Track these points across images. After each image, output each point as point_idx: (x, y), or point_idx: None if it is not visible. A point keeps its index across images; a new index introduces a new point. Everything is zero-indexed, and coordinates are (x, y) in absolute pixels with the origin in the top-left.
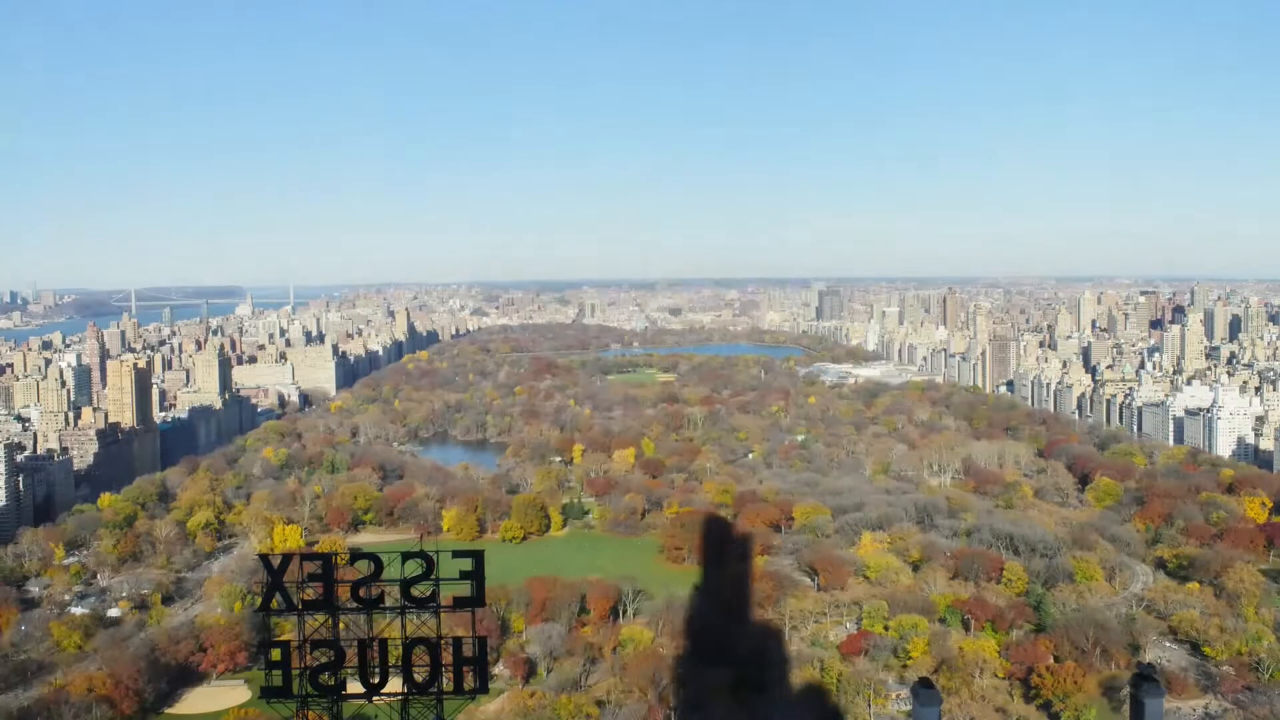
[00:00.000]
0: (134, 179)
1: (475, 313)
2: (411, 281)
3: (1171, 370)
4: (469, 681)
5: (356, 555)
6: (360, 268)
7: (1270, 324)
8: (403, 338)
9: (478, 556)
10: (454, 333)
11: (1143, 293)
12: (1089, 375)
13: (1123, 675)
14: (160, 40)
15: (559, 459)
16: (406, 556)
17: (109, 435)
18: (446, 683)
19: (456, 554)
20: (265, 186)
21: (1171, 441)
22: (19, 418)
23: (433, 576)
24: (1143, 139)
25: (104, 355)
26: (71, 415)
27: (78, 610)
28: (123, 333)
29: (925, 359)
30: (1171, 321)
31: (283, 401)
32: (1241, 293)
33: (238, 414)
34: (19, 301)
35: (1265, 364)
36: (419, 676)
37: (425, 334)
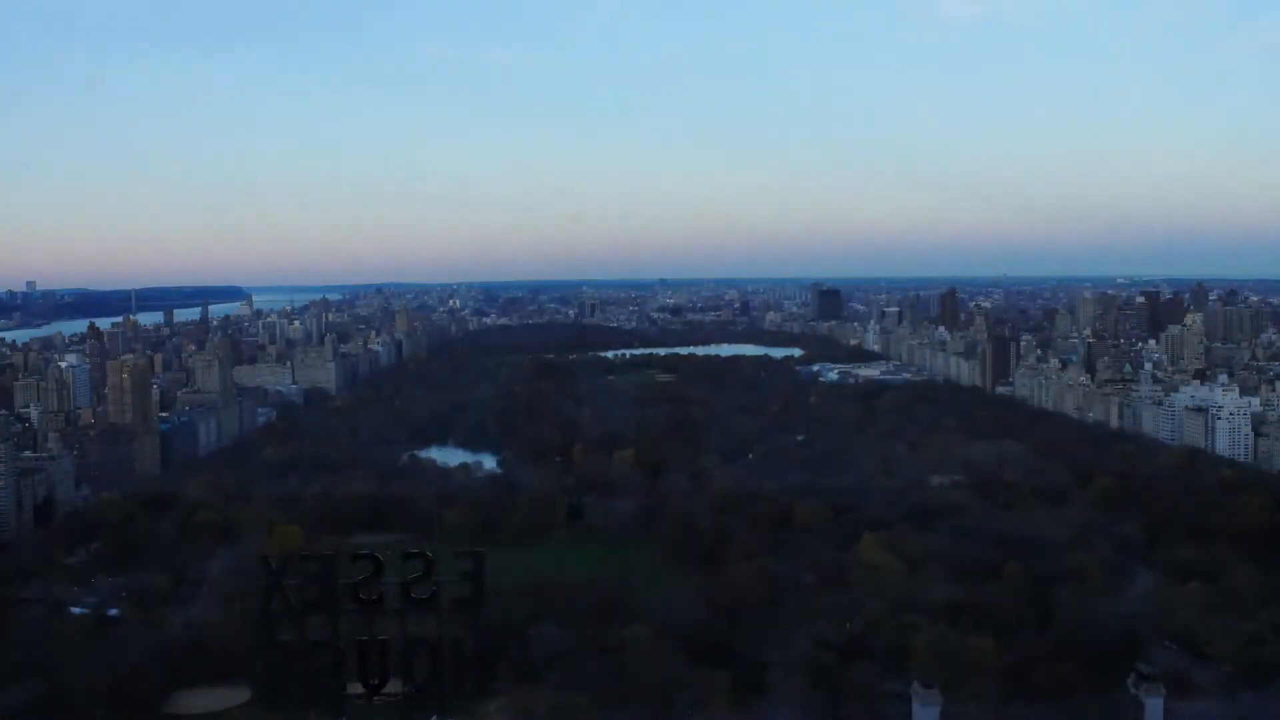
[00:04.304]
0: (134, 178)
1: (475, 313)
2: (411, 282)
3: (1171, 370)
4: (469, 683)
5: (356, 556)
6: (360, 268)
7: (1270, 324)
8: (402, 338)
9: (478, 557)
10: (454, 333)
11: (1143, 293)
12: (1088, 375)
13: (1123, 675)
14: (157, 38)
15: (559, 459)
16: (406, 557)
17: (109, 435)
18: (447, 683)
19: (457, 554)
20: (265, 186)
21: (1171, 441)
22: (19, 418)
23: (432, 577)
24: (1142, 138)
25: (104, 355)
26: (71, 415)
27: (77, 610)
28: (123, 333)
29: (925, 359)
30: (1171, 321)
31: (283, 401)
32: (1241, 293)
33: (238, 414)
34: (19, 301)
35: (1265, 364)
36: (419, 678)
37: (425, 334)
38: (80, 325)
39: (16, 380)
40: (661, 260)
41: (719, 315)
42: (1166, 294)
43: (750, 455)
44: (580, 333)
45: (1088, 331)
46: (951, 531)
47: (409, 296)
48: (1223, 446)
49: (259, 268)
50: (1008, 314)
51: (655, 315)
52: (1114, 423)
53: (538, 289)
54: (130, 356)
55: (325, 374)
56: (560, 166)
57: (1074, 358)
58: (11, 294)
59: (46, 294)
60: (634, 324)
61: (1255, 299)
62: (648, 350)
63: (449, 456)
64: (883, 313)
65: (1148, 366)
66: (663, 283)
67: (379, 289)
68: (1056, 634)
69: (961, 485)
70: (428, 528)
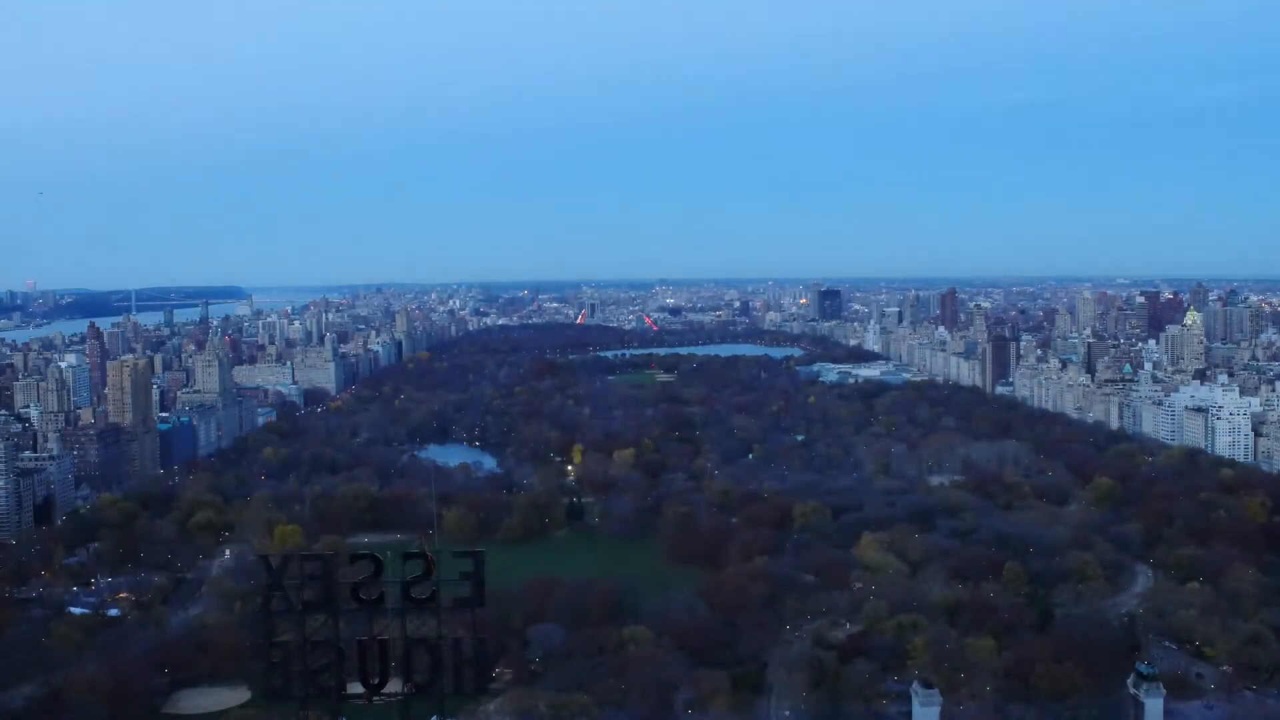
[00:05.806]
0: (134, 178)
1: (475, 313)
2: (411, 281)
3: (1171, 370)
4: (469, 682)
5: (356, 556)
6: (360, 268)
7: (1270, 324)
8: (403, 338)
9: (478, 557)
10: (454, 333)
11: (1143, 293)
12: (1088, 375)
13: (1123, 675)
14: (156, 36)
15: (559, 459)
16: (406, 557)
17: (109, 435)
18: (447, 683)
19: (457, 554)
20: (265, 186)
21: (1171, 441)
22: (19, 418)
23: (433, 577)
24: (1143, 138)
25: (104, 355)
26: (71, 415)
27: (77, 610)
28: (123, 333)
29: (925, 359)
30: (1171, 321)
31: (283, 401)
32: (1241, 293)
33: (238, 414)
34: (19, 301)
35: (1265, 364)
36: (419, 677)
37: (425, 334)
38: (80, 325)
39: (16, 380)
40: (661, 260)
41: (719, 315)
42: (1166, 294)
43: (750, 455)
44: (580, 333)
45: (1088, 331)
46: (951, 531)
47: (409, 296)
48: (1223, 446)
49: (259, 268)
50: (1008, 314)
51: (655, 315)
52: (1114, 423)
53: (538, 289)
54: (130, 356)
55: (325, 374)
56: (561, 165)
57: (1074, 358)
58: (11, 294)
59: (46, 294)
60: (634, 324)
61: (1255, 299)
62: (648, 350)
63: (449, 456)
64: (883, 313)
65: (1148, 366)
66: (663, 283)
67: (379, 289)
68: (1056, 634)
69: (961, 485)
70: (428, 528)
